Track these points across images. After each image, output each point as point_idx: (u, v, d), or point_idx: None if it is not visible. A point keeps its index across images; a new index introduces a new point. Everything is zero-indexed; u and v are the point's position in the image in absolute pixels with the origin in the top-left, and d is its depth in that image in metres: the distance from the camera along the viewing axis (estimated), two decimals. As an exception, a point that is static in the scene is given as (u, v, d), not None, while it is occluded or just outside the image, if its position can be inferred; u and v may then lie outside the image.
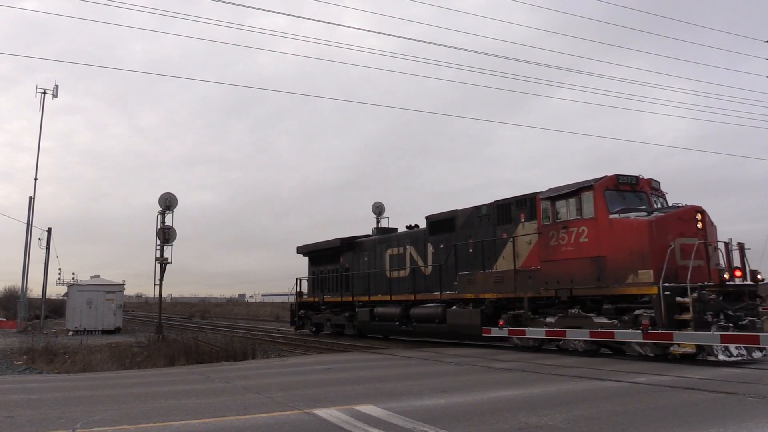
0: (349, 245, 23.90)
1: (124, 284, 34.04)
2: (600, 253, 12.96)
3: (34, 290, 58.48)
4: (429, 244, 19.27)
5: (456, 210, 18.30)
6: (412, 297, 19.20)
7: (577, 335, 13.33)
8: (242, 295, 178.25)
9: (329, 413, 6.67)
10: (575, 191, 13.65)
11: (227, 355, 17.45)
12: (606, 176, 13.42)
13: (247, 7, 23.65)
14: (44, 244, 39.48)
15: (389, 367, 12.11)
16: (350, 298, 22.73)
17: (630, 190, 13.54)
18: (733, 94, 48.56)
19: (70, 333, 30.88)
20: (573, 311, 13.63)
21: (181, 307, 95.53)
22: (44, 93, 38.21)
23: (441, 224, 18.81)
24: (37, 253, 54.45)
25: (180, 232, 29.88)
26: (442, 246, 18.56)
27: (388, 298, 20.49)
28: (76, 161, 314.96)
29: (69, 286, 38.60)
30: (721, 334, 10.68)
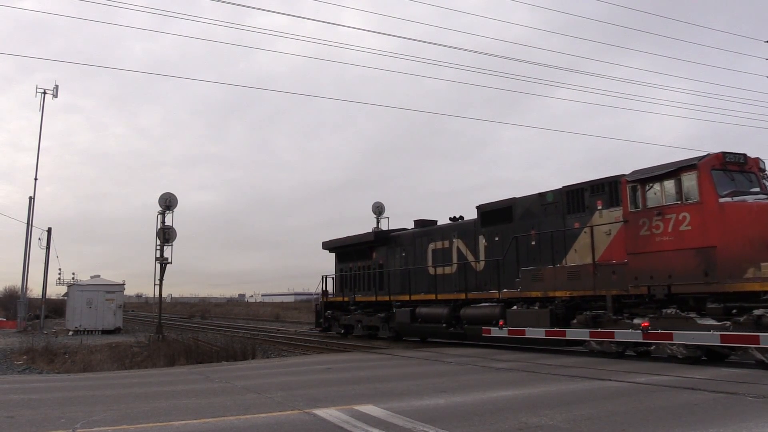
0: (383, 239, 21.88)
1: (124, 284, 34.12)
2: (708, 243, 11.21)
3: (34, 290, 58.73)
4: (481, 237, 17.24)
5: (514, 198, 16.37)
6: (462, 296, 17.21)
7: (578, 335, 13.31)
8: (242, 295, 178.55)
9: (329, 413, 6.67)
10: (674, 171, 11.97)
11: (227, 355, 17.45)
12: (710, 154, 11.91)
13: (247, 6, 23.67)
14: (44, 244, 39.53)
15: (389, 367, 12.11)
16: (387, 298, 20.68)
17: (738, 170, 11.90)
18: (733, 94, 48.69)
19: (70, 333, 30.89)
20: (668, 311, 11.91)
21: (181, 307, 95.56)
22: (44, 93, 38.27)
23: (495, 214, 16.81)
24: (37, 253, 54.51)
25: (180, 232, 29.91)
26: (497, 239, 16.59)
27: (433, 297, 18.40)
28: (76, 161, 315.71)
29: (69, 286, 38.64)
30: (721, 334, 10.65)
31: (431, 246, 19.33)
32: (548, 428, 5.80)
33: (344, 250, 24.23)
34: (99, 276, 36.74)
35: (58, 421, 6.50)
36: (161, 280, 28.15)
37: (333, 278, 25.18)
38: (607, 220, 13.52)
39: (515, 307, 15.16)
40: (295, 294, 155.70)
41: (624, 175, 13.11)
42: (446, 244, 18.67)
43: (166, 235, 28.10)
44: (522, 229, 15.78)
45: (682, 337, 11.23)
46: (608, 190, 13.68)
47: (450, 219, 19.36)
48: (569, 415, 6.43)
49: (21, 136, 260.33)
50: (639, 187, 12.59)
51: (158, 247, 28.04)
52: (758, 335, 10.15)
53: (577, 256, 14.15)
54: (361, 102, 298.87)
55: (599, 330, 12.83)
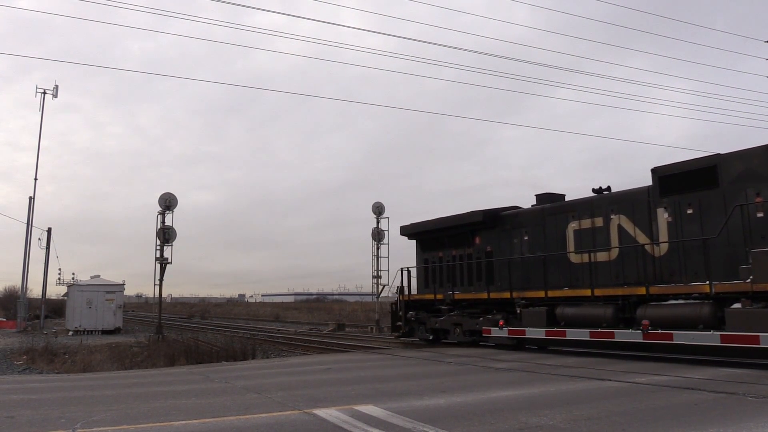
0: (492, 220, 17.16)
1: (124, 284, 34.16)
2: None
3: (34, 290, 58.81)
4: (661, 210, 12.88)
5: (717, 155, 12.23)
6: (640, 290, 12.74)
7: (576, 335, 13.33)
8: (242, 295, 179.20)
9: (329, 413, 6.67)
10: None
11: (227, 355, 17.46)
12: None
13: (245, 6, 23.67)
14: (44, 244, 39.64)
15: (389, 367, 12.11)
16: (507, 295, 15.79)
17: None
18: (733, 94, 48.62)
19: (70, 333, 30.92)
20: None
21: (181, 307, 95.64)
22: (44, 93, 38.28)
23: (687, 178, 12.52)
24: (37, 253, 54.59)
25: (180, 232, 29.92)
26: (690, 211, 12.39)
27: (588, 292, 13.77)
28: (75, 161, 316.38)
29: (69, 286, 38.64)
30: (721, 334, 10.65)
31: (572, 226, 14.87)
32: (548, 428, 5.80)
33: (433, 235, 19.43)
34: (99, 276, 36.77)
35: (58, 421, 6.49)
36: (161, 280, 28.17)
37: (416, 271, 20.21)
38: None
39: (737, 305, 11.05)
40: (295, 294, 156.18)
41: None
42: (598, 222, 14.32)
43: (166, 235, 28.10)
44: (735, 196, 11.74)
45: (682, 337, 11.23)
46: None
47: (594, 191, 14.98)
48: (569, 415, 6.44)
49: (20, 136, 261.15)
50: None
51: (158, 247, 28.05)
52: (758, 335, 10.14)
53: None
54: (361, 102, 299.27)
55: (599, 330, 12.82)
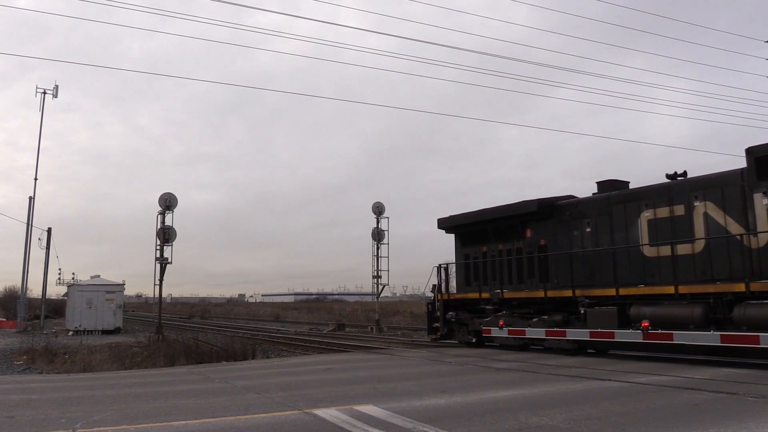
0: (547, 210, 15.41)
1: (124, 284, 34.17)
2: None
3: (34, 290, 58.78)
4: (758, 196, 11.23)
5: None
6: (739, 287, 10.94)
7: (576, 335, 13.33)
8: (242, 295, 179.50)
9: (329, 413, 6.67)
10: None
11: (227, 355, 17.45)
12: None
13: (245, 6, 23.65)
14: (44, 244, 39.60)
15: (389, 367, 12.11)
16: (569, 293, 14.05)
17: None
18: (734, 94, 48.57)
19: (70, 333, 30.92)
20: None
21: (181, 307, 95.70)
22: (44, 93, 38.24)
23: None
24: (37, 253, 54.55)
25: (180, 232, 29.90)
26: None
27: (670, 290, 12.03)
28: (74, 160, 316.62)
29: (69, 286, 38.67)
30: (721, 334, 10.64)
31: (645, 215, 13.22)
32: (548, 428, 5.80)
33: (475, 228, 17.56)
34: (99, 276, 36.78)
35: (58, 421, 6.50)
36: (161, 280, 28.13)
37: (456, 268, 18.37)
38: None
39: None
40: (295, 294, 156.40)
41: None
42: (678, 210, 12.65)
43: (166, 235, 28.08)
44: None
45: (683, 337, 11.22)
46: None
47: (668, 177, 13.31)
48: (569, 415, 6.44)
49: (19, 136, 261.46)
50: None
51: (158, 247, 28.03)
52: (758, 335, 10.13)
53: None
54: (361, 102, 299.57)
55: (599, 330, 12.81)
